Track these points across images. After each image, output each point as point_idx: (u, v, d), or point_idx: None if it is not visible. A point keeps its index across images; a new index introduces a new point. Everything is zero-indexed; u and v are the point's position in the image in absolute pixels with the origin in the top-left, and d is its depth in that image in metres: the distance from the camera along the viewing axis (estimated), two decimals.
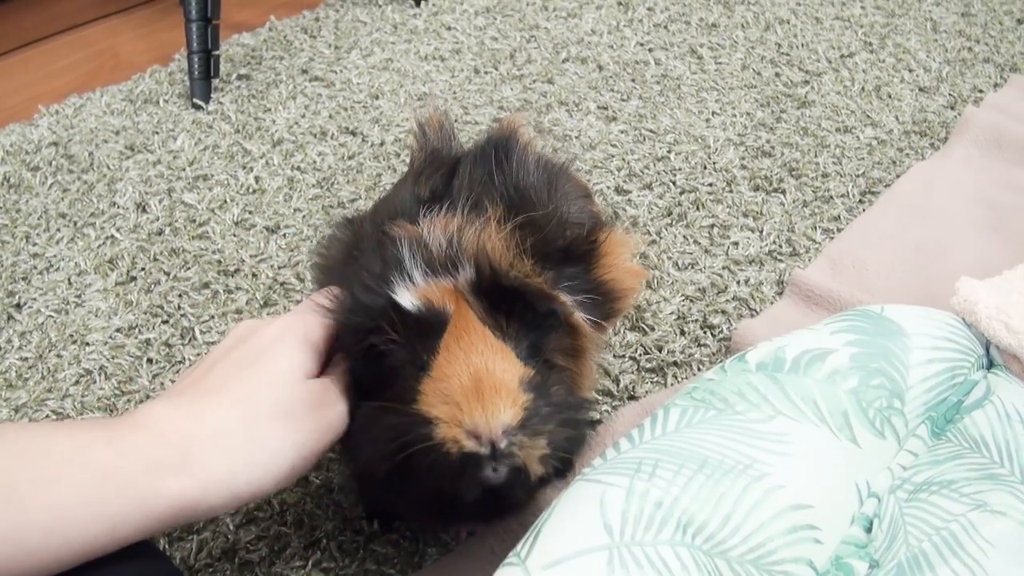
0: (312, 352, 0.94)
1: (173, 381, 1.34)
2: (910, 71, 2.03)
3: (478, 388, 0.83)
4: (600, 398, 1.31)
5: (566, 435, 0.88)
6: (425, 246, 0.94)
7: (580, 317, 1.00)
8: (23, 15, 2.35)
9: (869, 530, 0.97)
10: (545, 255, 0.99)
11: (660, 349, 1.38)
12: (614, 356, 1.37)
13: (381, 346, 0.90)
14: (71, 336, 1.43)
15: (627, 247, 1.14)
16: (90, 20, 2.36)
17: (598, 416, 1.28)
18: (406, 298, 0.90)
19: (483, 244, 0.94)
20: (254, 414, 0.86)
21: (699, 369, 1.36)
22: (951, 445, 1.05)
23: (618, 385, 1.33)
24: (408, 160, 1.54)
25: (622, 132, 1.83)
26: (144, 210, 1.68)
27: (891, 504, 0.99)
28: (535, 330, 0.93)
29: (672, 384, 1.33)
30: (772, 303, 1.45)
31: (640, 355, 1.37)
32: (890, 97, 1.95)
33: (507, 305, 0.92)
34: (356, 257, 1.02)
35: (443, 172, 1.13)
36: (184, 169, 1.76)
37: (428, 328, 0.89)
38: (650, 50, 2.11)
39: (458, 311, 0.90)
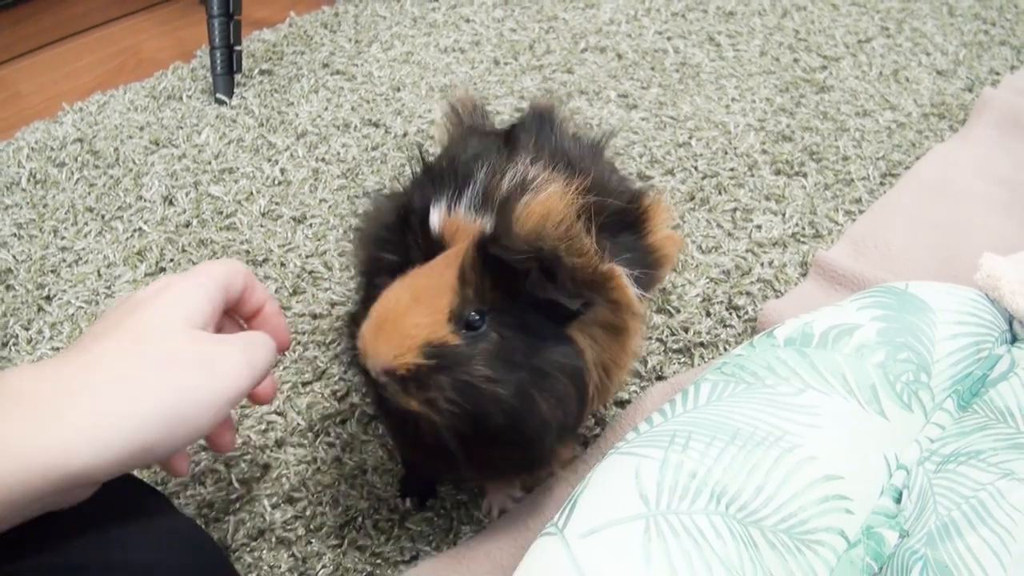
0: (200, 302, 0.87)
1: None
2: (927, 55, 2.04)
3: (380, 326, 0.87)
4: (628, 378, 1.32)
5: (461, 407, 0.87)
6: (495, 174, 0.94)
7: (634, 293, 0.96)
8: (45, 15, 2.37)
9: (899, 501, 0.98)
10: (601, 224, 0.95)
11: (686, 330, 1.39)
12: (641, 338, 1.39)
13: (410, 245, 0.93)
14: None
15: (669, 214, 1.15)
16: (112, 19, 2.38)
17: (627, 396, 1.30)
18: (435, 218, 0.92)
19: (531, 210, 0.89)
20: (120, 367, 0.78)
21: (725, 349, 1.37)
22: (977, 417, 1.06)
23: (646, 366, 1.35)
24: (433, 149, 1.56)
25: (643, 119, 1.84)
26: (171, 203, 1.69)
27: (920, 475, 1.00)
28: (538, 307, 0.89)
29: (699, 364, 1.35)
30: (796, 284, 1.47)
31: (667, 336, 1.39)
32: (908, 81, 1.95)
33: (508, 278, 0.88)
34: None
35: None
36: (209, 163, 1.78)
37: (427, 256, 0.91)
38: (668, 38, 2.12)
39: (454, 251, 0.90)
